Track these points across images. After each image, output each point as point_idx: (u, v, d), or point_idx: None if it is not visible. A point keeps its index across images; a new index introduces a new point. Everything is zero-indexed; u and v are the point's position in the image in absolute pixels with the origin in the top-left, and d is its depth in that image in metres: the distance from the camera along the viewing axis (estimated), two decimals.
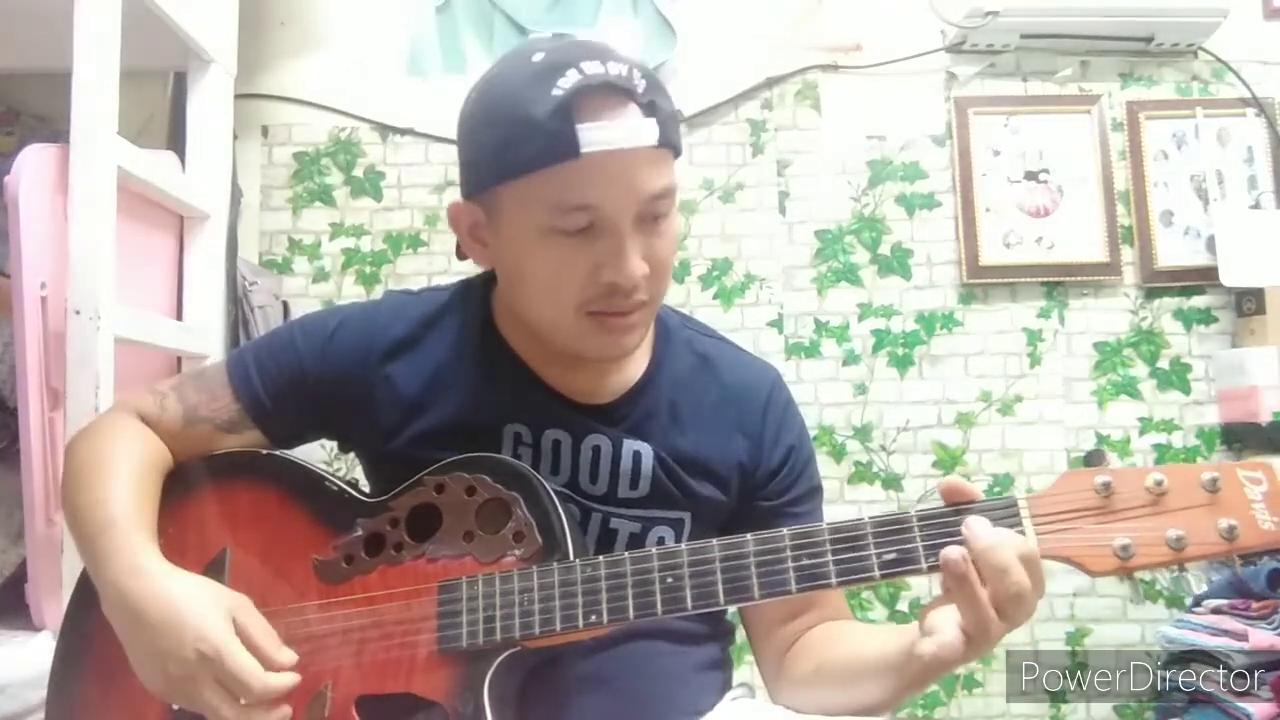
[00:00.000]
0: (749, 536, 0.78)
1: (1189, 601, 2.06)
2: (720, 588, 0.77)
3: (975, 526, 0.72)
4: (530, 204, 0.83)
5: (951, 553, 0.71)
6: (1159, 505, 0.72)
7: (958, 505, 0.75)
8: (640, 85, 0.81)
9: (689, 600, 0.77)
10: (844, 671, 0.88)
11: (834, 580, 0.75)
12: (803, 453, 1.00)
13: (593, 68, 0.79)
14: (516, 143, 0.80)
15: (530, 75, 0.81)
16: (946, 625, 0.73)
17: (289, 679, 0.80)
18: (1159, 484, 0.72)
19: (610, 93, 0.80)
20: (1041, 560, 0.72)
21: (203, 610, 0.78)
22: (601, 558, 0.80)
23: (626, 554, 0.80)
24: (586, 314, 0.85)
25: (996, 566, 0.70)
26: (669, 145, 0.84)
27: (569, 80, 0.78)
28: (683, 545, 0.79)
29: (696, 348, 1.01)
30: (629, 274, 0.83)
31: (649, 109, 0.81)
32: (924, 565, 0.74)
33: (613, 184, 0.81)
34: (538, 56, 0.82)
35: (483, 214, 0.89)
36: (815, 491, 1.01)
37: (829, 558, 0.75)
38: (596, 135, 0.79)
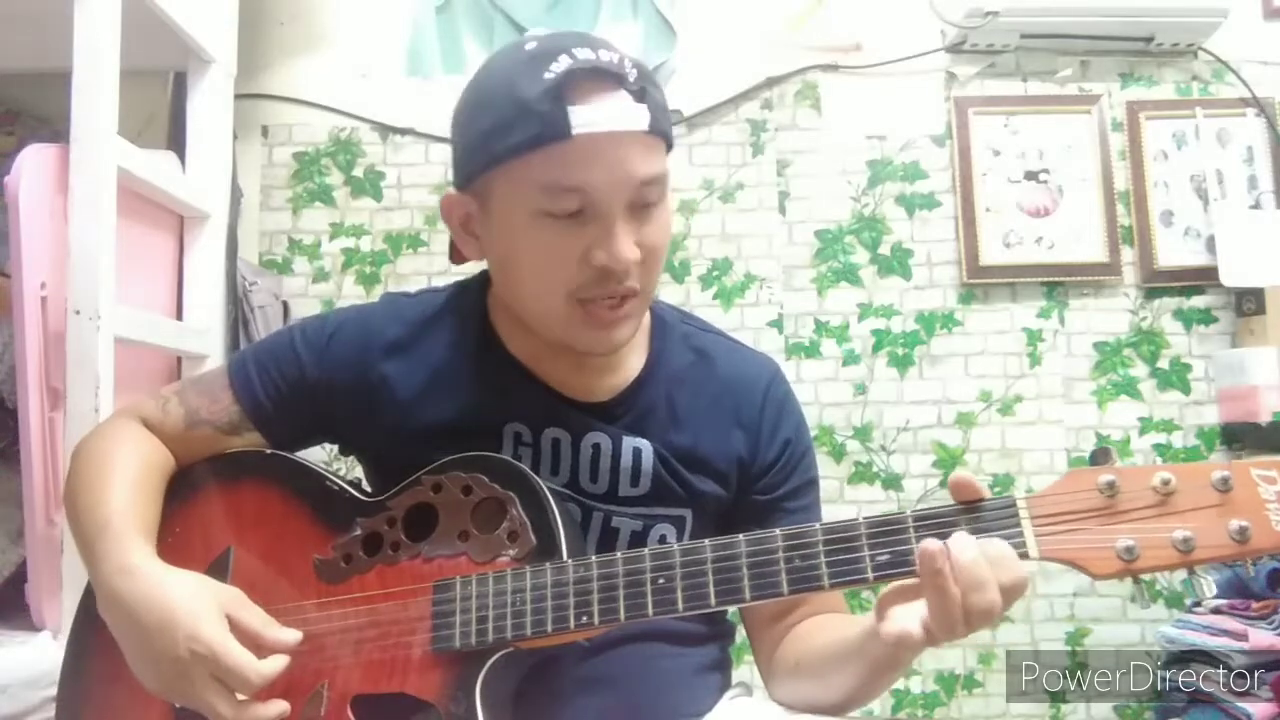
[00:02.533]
0: (741, 537, 0.77)
1: (1189, 602, 2.06)
2: (712, 589, 0.76)
3: (959, 541, 0.70)
4: (521, 188, 0.83)
5: (931, 545, 0.69)
6: (1166, 505, 0.69)
7: (958, 505, 0.74)
8: (631, 74, 0.82)
9: (680, 601, 0.77)
10: (817, 662, 0.88)
11: (827, 582, 0.74)
12: (799, 446, 0.99)
13: (584, 54, 0.81)
14: (508, 126, 0.81)
15: (523, 62, 0.82)
16: (909, 617, 0.71)
17: (283, 661, 0.79)
18: (1166, 483, 0.69)
19: (601, 77, 0.81)
20: (1042, 561, 0.71)
21: (195, 609, 0.78)
22: (594, 558, 0.80)
23: (619, 554, 0.79)
24: (577, 301, 0.86)
25: (972, 581, 0.68)
26: (660, 133, 0.84)
27: (560, 65, 0.80)
28: (675, 546, 0.79)
29: (694, 343, 1.00)
30: (620, 256, 0.82)
31: (640, 95, 0.82)
32: (919, 568, 0.72)
33: (604, 166, 0.81)
34: (530, 45, 0.84)
35: (475, 204, 0.89)
36: (811, 485, 1.00)
37: (822, 559, 0.75)
38: (587, 117, 0.80)
